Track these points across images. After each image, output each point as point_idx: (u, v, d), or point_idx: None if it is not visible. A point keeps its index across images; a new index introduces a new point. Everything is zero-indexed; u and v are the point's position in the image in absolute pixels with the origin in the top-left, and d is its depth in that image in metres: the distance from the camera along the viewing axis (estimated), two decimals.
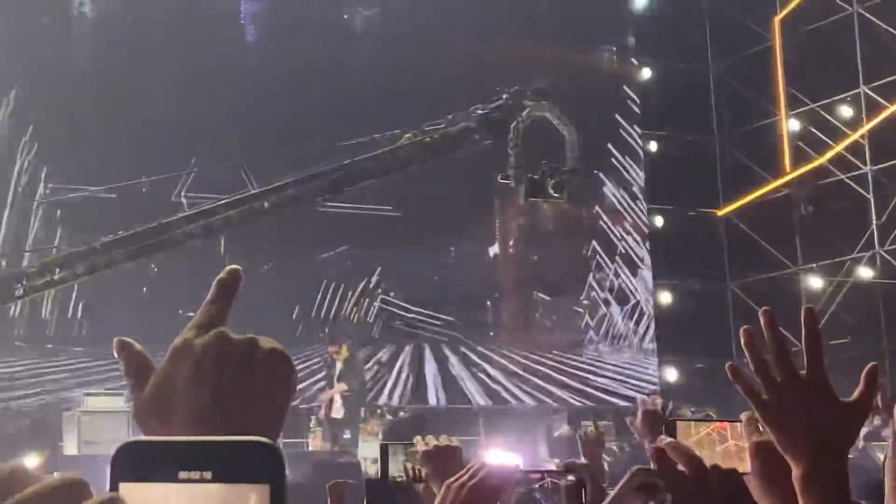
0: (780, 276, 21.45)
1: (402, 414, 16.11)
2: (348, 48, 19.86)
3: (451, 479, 2.50)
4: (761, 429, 2.39)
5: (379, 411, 17.08)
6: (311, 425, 16.02)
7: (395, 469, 2.75)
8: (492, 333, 20.50)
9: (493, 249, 20.67)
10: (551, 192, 9.37)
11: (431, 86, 17.49)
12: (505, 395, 20.08)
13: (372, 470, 9.94)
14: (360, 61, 19.53)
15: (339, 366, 15.72)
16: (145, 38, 18.51)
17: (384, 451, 2.75)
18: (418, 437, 3.05)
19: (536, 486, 2.63)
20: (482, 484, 2.46)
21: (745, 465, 2.42)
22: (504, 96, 9.55)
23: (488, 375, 20.03)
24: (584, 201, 21.22)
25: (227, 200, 9.35)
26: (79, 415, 14.31)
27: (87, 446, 14.00)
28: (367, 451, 14.00)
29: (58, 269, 8.78)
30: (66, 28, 18.57)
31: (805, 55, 21.46)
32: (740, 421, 2.45)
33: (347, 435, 15.38)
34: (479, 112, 9.55)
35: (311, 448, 15.49)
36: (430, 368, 19.71)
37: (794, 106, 21.61)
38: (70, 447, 14.29)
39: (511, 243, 20.85)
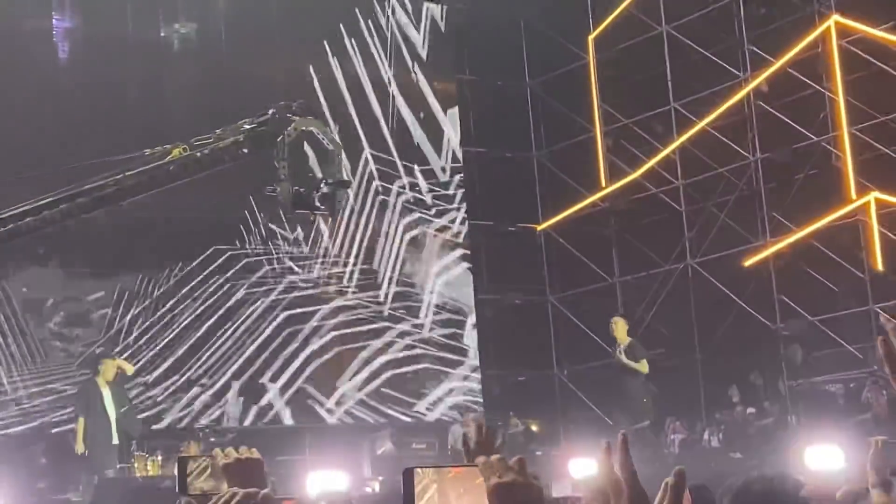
0: (598, 288, 21.89)
1: (230, 436, 15.95)
2: (163, 66, 19.67)
3: (214, 500, 2.49)
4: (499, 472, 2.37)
5: (201, 433, 16.86)
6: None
7: (197, 486, 2.70)
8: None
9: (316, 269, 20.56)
10: (317, 203, 9.58)
11: (231, 101, 17.30)
12: (324, 414, 19.94)
13: None
14: (174, 79, 19.38)
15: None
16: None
17: (182, 464, 2.70)
18: (217, 450, 3.02)
19: None
20: None
21: None
22: (271, 111, 9.69)
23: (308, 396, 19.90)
24: (403, 217, 21.40)
25: None
26: None
27: None
28: None
29: None
30: None
31: (618, 72, 21.99)
32: (476, 465, 2.42)
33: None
34: (247, 126, 9.67)
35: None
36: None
37: (609, 122, 22.11)
38: None
39: (330, 262, 20.74)
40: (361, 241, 20.94)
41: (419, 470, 2.38)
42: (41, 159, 14.86)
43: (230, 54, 20.01)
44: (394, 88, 21.62)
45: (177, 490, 2.69)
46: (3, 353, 17.71)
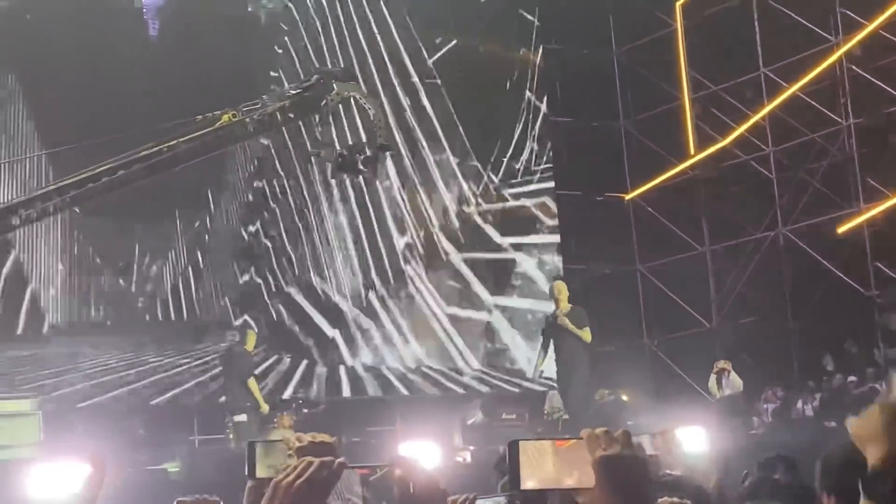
0: (687, 257, 21.74)
1: (321, 407, 16.13)
2: (251, 40, 19.90)
3: (279, 478, 2.52)
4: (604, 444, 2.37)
5: (294, 405, 17.04)
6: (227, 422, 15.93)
7: (265, 468, 2.73)
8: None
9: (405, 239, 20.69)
10: (360, 167, 9.74)
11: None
12: (421, 384, 20.11)
13: None
14: (261, 53, 19.61)
15: None
16: (46, 35, 18.34)
17: (251, 448, 2.73)
18: (289, 435, 3.06)
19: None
20: (309, 481, 2.48)
21: (584, 480, 2.39)
22: (315, 76, 9.83)
23: (403, 365, 20.06)
24: (493, 190, 21.44)
25: (42, 191, 9.40)
26: None
27: None
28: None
29: None
30: None
31: (706, 39, 21.74)
32: (580, 438, 2.42)
33: None
34: (292, 92, 9.83)
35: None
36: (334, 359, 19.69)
37: (697, 89, 21.89)
38: None
39: (422, 234, 20.86)
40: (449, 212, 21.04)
41: (524, 442, 2.40)
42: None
43: (316, 28, 20.14)
44: (481, 59, 21.62)
45: (246, 474, 2.73)
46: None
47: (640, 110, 22.81)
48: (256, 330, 17.40)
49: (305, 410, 16.43)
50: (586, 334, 15.77)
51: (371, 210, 20.31)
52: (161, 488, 12.68)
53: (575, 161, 22.08)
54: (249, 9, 20.25)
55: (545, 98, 22.20)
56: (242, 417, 15.53)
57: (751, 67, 20.93)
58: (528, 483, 2.38)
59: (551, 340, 16.11)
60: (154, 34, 19.59)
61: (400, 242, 20.56)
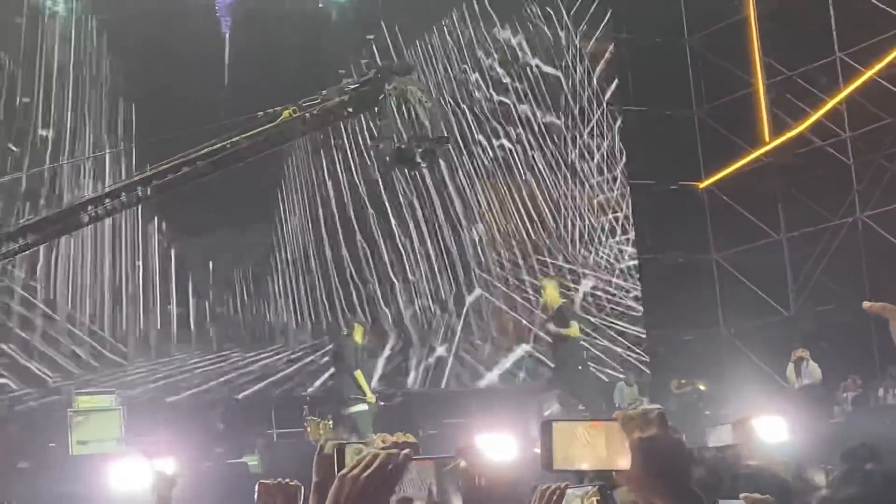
0: (763, 244, 21.54)
1: (398, 399, 16.21)
2: (321, 36, 20.00)
3: (345, 471, 2.52)
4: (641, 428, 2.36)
5: None
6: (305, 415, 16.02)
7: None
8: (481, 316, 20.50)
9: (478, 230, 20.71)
10: (418, 159, 9.83)
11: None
12: (491, 375, 20.12)
13: None
14: (331, 49, 19.70)
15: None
16: (120, 35, 18.62)
17: (341, 451, 2.74)
18: (372, 436, 3.06)
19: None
20: (376, 474, 2.49)
21: (619, 462, 2.38)
22: (373, 71, 9.92)
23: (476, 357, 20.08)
24: (567, 179, 21.38)
25: (111, 188, 9.54)
26: (71, 415, 14.28)
27: (78, 447, 13.99)
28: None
29: None
30: (37, 27, 18.53)
31: (780, 24, 21.50)
32: (615, 419, 2.41)
33: None
34: (351, 86, 9.91)
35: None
36: (416, 352, 19.76)
37: (771, 75, 21.67)
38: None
39: (495, 225, 20.87)
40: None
41: (557, 423, 2.39)
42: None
43: (386, 23, 20.20)
44: (553, 50, 21.58)
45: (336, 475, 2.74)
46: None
47: (714, 98, 22.63)
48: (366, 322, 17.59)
49: (381, 403, 16.49)
50: (572, 330, 15.57)
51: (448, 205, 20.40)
52: (241, 480, 12.82)
53: (648, 150, 21.95)
54: (320, 5, 20.36)
55: (618, 88, 22.08)
56: (362, 407, 15.65)
57: (826, 52, 20.67)
58: (561, 464, 2.38)
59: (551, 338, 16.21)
60: (226, 31, 19.75)
61: (473, 235, 20.59)
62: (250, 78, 18.37)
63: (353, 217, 19.74)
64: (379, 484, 2.46)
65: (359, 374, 15.90)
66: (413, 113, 10.18)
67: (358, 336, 16.57)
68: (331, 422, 15.63)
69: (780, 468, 4.69)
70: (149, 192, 9.37)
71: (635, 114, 22.16)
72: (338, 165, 19.78)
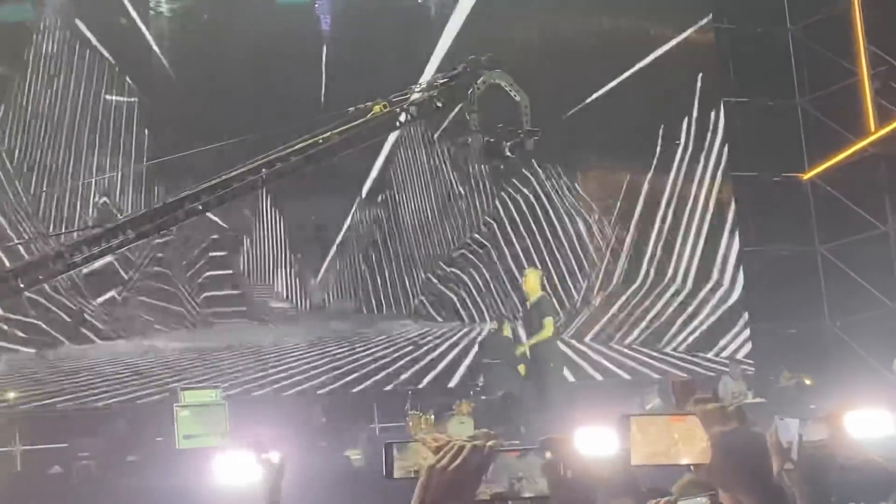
0: (869, 236, 21.19)
1: (500, 393, 16.21)
2: (420, 32, 20.07)
3: (433, 462, 2.54)
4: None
5: (472, 392, 17.14)
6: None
7: (401, 469, 2.74)
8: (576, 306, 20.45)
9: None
10: (507, 153, 9.83)
11: None
12: (591, 370, 20.06)
13: None
14: (430, 45, 19.76)
15: None
16: (221, 33, 18.89)
17: (388, 449, 2.75)
18: (421, 435, 3.07)
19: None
20: (464, 465, 2.49)
21: (698, 456, 2.36)
22: (462, 65, 9.95)
23: (574, 350, 20.02)
24: (667, 172, 21.23)
25: (209, 184, 9.66)
26: (176, 409, 14.51)
27: (184, 441, 14.21)
28: (461, 432, 14.12)
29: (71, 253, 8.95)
30: (142, 27, 18.88)
31: (885, 12, 21.09)
32: (693, 414, 2.39)
33: None
34: (441, 81, 9.95)
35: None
36: None
37: (876, 64, 21.28)
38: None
39: (596, 218, 20.81)
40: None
41: (636, 417, 2.39)
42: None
43: (485, 20, 20.21)
44: (650, 40, 21.44)
45: (383, 475, 2.75)
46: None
47: (817, 88, 22.27)
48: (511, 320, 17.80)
49: (483, 398, 16.52)
50: (547, 329, 15.32)
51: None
52: (343, 475, 12.94)
53: (750, 141, 21.69)
54: (419, 1, 20.44)
55: (719, 78, 21.86)
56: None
57: None
58: (640, 459, 2.37)
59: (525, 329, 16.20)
60: (326, 28, 19.92)
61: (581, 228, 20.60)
62: (348, 75, 18.52)
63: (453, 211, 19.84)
64: (466, 474, 2.47)
65: (522, 368, 16.08)
66: (502, 107, 10.22)
67: (506, 331, 16.77)
68: (433, 416, 15.70)
69: (885, 463, 4.60)
70: (246, 188, 9.50)
71: (737, 105, 21.91)
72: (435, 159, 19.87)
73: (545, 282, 16.49)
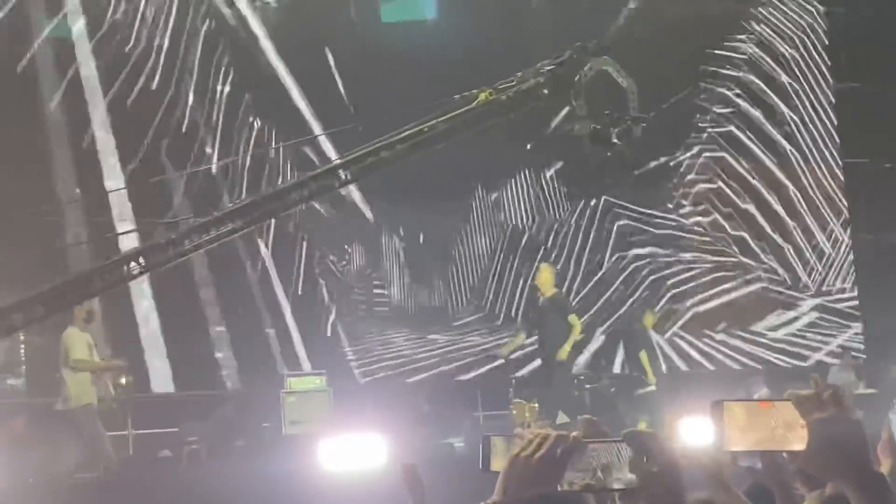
0: None
1: (604, 381, 16.23)
2: (524, 20, 20.05)
3: (517, 451, 2.50)
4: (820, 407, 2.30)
5: (576, 380, 17.07)
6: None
7: (500, 462, 2.74)
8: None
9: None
10: (614, 140, 9.75)
11: None
12: (699, 357, 19.89)
13: None
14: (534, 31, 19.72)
15: None
16: (328, 21, 19.07)
17: (486, 442, 2.75)
18: (519, 430, 3.05)
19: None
20: (548, 454, 2.48)
21: (794, 443, 2.32)
22: (568, 52, 9.87)
23: (680, 338, 19.87)
24: (776, 157, 20.96)
25: (314, 173, 9.73)
26: (283, 396, 14.68)
27: (291, 426, 14.38)
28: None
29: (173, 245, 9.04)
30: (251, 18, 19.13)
31: None
32: (788, 399, 2.35)
33: None
34: (547, 68, 9.88)
35: None
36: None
37: None
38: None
39: (699, 204, 20.62)
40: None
41: (729, 403, 2.37)
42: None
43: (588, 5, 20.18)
44: (756, 26, 21.16)
45: (480, 467, 2.75)
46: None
47: None
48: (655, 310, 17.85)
49: (587, 386, 16.47)
50: (576, 328, 15.06)
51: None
52: (445, 462, 12.99)
53: (862, 128, 21.28)
54: None
55: (831, 63, 21.51)
56: (648, 389, 15.98)
57: None
58: (734, 445, 2.35)
59: (536, 327, 15.75)
60: (432, 16, 19.99)
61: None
62: (456, 62, 18.55)
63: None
64: (549, 464, 2.46)
65: (643, 354, 16.06)
66: (609, 94, 10.17)
67: (648, 321, 16.81)
68: (536, 404, 15.68)
69: None
70: (349, 176, 9.55)
71: (849, 90, 21.50)
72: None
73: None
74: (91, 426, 13.72)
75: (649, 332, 17.08)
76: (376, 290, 18.99)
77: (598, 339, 19.34)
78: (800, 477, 5.42)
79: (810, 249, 20.90)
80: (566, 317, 15.13)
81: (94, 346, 14.04)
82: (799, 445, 2.32)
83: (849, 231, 21.13)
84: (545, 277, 15.58)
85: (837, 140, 21.30)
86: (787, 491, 4.46)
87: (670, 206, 20.40)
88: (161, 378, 17.77)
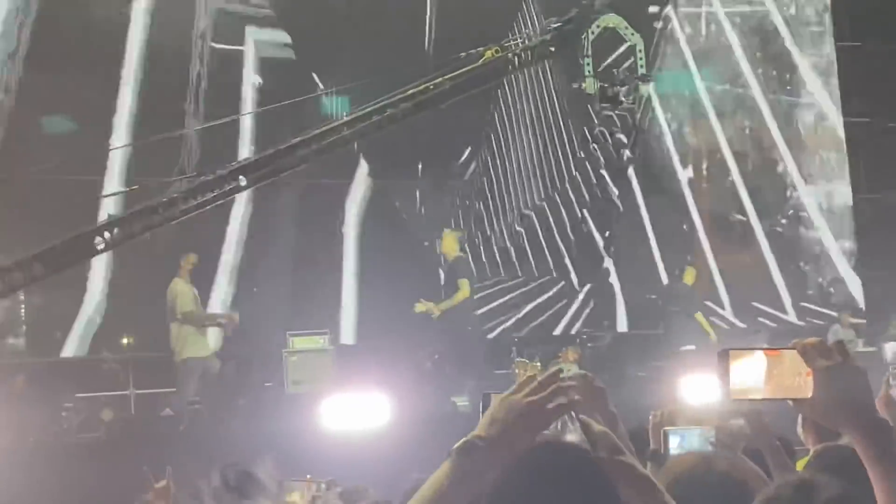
0: None
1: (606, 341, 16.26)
2: None
3: (508, 393, 2.54)
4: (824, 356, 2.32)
5: (578, 339, 17.12)
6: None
7: None
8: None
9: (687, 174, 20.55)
10: (622, 98, 9.74)
11: None
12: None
13: None
14: None
15: None
16: None
17: (486, 400, 2.75)
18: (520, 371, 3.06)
19: None
20: (541, 402, 2.49)
21: (798, 391, 2.35)
22: (575, 10, 9.85)
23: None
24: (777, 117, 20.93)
25: (319, 130, 9.69)
26: (285, 355, 14.70)
27: (293, 386, 14.41)
28: None
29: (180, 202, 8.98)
30: None
31: None
32: (794, 349, 2.37)
33: None
34: (554, 26, 9.86)
35: None
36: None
37: None
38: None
39: (705, 167, 20.62)
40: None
41: (734, 351, 2.37)
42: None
43: None
44: None
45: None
46: None
47: None
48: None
49: (589, 345, 16.49)
50: (462, 292, 14.85)
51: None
52: (449, 420, 13.02)
53: (863, 87, 21.22)
54: None
55: (832, 22, 21.45)
56: (690, 347, 16.02)
57: None
58: (739, 394, 2.36)
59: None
60: None
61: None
62: (454, 21, 18.48)
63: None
64: (539, 413, 2.47)
65: (699, 316, 16.09)
66: (616, 51, 10.16)
67: (689, 278, 16.84)
68: (539, 364, 15.71)
69: None
70: (357, 134, 9.53)
71: (850, 49, 21.43)
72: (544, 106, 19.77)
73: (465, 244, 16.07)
74: (185, 381, 13.87)
75: (695, 291, 17.15)
76: None
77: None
78: (805, 429, 5.45)
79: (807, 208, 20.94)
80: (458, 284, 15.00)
81: (198, 298, 14.19)
82: (804, 394, 2.33)
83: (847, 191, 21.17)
84: (449, 242, 15.48)
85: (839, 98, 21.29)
86: (776, 452, 4.50)
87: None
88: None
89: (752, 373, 2.37)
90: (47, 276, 8.56)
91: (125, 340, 17.11)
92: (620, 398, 6.56)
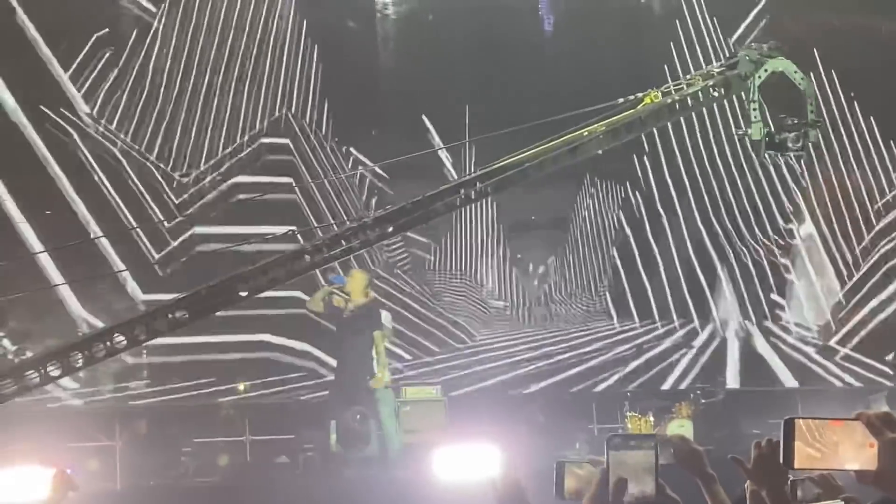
0: None
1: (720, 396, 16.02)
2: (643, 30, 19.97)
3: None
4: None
5: (692, 395, 16.93)
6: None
7: (571, 490, 2.79)
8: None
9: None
10: (789, 144, 9.46)
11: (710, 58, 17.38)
12: (819, 372, 19.54)
13: None
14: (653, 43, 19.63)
15: None
16: (445, 35, 19.16)
17: (560, 469, 2.79)
18: (591, 457, 3.10)
19: None
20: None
21: (864, 462, 2.36)
22: (741, 53, 9.65)
23: (798, 351, 19.56)
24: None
25: (469, 178, 9.60)
26: (398, 405, 14.79)
27: (407, 435, 14.48)
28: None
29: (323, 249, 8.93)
30: (371, 31, 19.27)
31: None
32: (857, 420, 2.39)
33: None
34: (718, 69, 9.68)
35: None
36: (732, 346, 19.44)
37: None
38: None
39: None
40: None
41: (800, 421, 2.39)
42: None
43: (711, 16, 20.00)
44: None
45: (554, 494, 2.79)
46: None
47: None
48: None
49: (703, 401, 16.31)
50: (378, 343, 14.02)
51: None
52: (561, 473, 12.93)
53: None
54: (642, 0, 20.33)
55: None
56: None
57: None
58: (803, 463, 2.37)
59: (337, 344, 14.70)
60: (549, 29, 20.01)
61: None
62: (570, 74, 18.54)
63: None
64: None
65: None
66: (785, 97, 9.93)
67: None
68: (652, 418, 15.59)
69: None
70: (506, 182, 9.39)
71: None
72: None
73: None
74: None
75: None
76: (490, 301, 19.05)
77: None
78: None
79: None
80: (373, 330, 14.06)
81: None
82: (869, 465, 2.34)
83: None
84: (357, 283, 14.21)
85: None
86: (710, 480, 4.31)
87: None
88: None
89: (815, 441, 2.40)
90: (191, 321, 8.56)
91: (241, 386, 17.34)
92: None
